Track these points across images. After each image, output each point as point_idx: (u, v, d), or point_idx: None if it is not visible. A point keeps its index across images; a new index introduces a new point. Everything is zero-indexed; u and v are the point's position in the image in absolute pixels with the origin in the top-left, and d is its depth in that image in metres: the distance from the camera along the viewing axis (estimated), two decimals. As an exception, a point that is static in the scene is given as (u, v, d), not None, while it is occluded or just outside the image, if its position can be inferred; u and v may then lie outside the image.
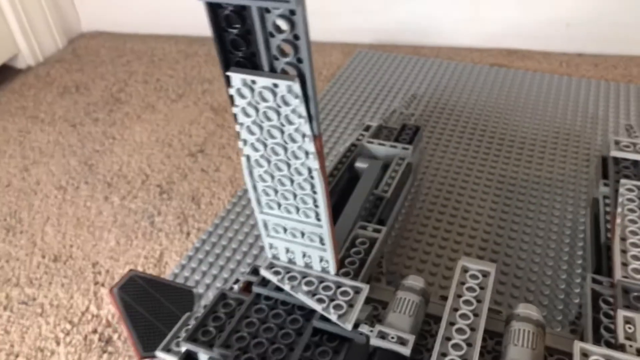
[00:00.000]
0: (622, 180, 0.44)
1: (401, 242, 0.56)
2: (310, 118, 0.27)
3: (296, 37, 0.25)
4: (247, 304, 0.36)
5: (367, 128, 0.58)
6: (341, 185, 0.51)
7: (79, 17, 1.12)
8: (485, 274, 0.36)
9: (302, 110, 0.27)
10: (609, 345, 0.33)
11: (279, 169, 0.31)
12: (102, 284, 0.56)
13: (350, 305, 0.34)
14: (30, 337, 0.51)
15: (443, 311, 0.34)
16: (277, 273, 0.36)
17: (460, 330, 0.33)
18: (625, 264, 0.36)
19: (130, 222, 0.63)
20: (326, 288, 0.35)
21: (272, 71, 0.27)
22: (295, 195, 0.32)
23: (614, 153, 0.48)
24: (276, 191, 0.33)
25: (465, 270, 0.37)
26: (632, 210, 0.41)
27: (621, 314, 0.33)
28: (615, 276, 0.36)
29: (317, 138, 0.28)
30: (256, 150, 0.30)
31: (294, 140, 0.29)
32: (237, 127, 0.29)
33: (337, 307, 0.34)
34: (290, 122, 0.28)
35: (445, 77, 0.85)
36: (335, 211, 0.45)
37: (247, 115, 0.28)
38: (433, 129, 0.73)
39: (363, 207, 0.47)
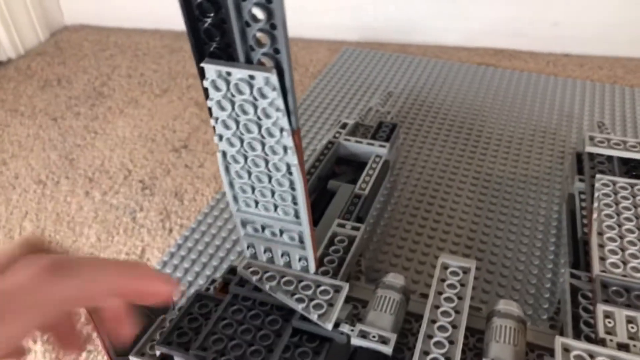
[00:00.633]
0: (598, 175, 0.44)
1: (376, 238, 0.56)
2: (288, 111, 0.27)
3: (273, 27, 0.24)
4: (224, 304, 0.35)
5: (344, 126, 0.57)
6: (318, 183, 0.50)
7: (61, 9, 1.10)
8: (466, 271, 0.36)
9: (280, 103, 0.26)
10: (589, 339, 0.33)
11: (257, 165, 0.30)
12: (81, 281, 0.55)
13: (330, 304, 0.34)
14: (5, 335, 0.50)
15: (424, 309, 0.34)
16: (255, 273, 0.36)
17: (441, 328, 0.33)
18: (603, 259, 0.36)
19: (111, 218, 0.62)
20: (305, 287, 0.35)
21: (248, 62, 0.26)
22: (273, 193, 0.32)
23: (589, 149, 0.48)
24: (254, 188, 0.32)
25: (445, 267, 0.36)
26: (608, 205, 0.41)
27: (601, 308, 0.33)
28: (593, 271, 0.36)
29: (295, 132, 0.28)
30: (232, 145, 0.30)
31: (271, 135, 0.28)
32: (212, 122, 0.28)
33: (317, 306, 0.33)
34: (267, 116, 0.27)
35: (432, 75, 0.85)
36: (313, 208, 0.45)
37: (222, 108, 0.27)
38: (411, 126, 0.73)
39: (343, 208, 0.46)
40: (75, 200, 0.65)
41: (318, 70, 0.90)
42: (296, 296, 0.34)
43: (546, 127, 0.72)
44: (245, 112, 0.27)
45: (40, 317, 0.20)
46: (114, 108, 0.83)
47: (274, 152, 0.29)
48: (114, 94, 0.87)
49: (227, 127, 0.29)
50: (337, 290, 0.35)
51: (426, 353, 0.31)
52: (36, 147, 0.75)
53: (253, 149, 0.29)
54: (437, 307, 0.34)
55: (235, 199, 0.33)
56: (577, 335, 0.34)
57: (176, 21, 1.04)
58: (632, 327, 0.32)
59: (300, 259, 0.35)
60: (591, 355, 0.30)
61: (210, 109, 0.28)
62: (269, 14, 0.23)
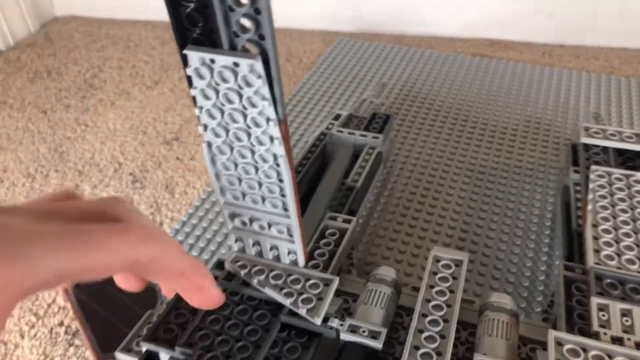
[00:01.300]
0: (593, 167, 0.43)
1: (368, 230, 0.55)
2: (274, 100, 0.26)
3: (257, 12, 0.23)
4: (212, 296, 0.34)
5: (337, 117, 0.56)
6: (310, 175, 0.50)
7: (52, 0, 1.09)
8: (458, 263, 0.35)
9: (266, 91, 0.25)
10: (582, 332, 0.33)
11: (243, 156, 0.29)
12: (70, 275, 0.54)
13: (320, 298, 0.33)
14: (-8, 330, 0.49)
15: (415, 302, 0.33)
16: (243, 267, 0.35)
17: (433, 322, 0.32)
18: (597, 251, 0.36)
19: (101, 212, 0.61)
20: (294, 281, 0.34)
21: (233, 49, 0.25)
22: (260, 184, 0.31)
23: (584, 139, 0.47)
24: (240, 180, 0.31)
25: (437, 259, 0.36)
26: (603, 197, 0.40)
27: (594, 301, 0.32)
28: (587, 263, 0.35)
29: (282, 122, 0.27)
30: (218, 136, 0.29)
31: (257, 125, 0.27)
32: (197, 111, 0.28)
33: (306, 300, 0.33)
34: (253, 105, 0.26)
35: (427, 66, 0.84)
36: (305, 202, 0.44)
37: (206, 97, 0.27)
38: (405, 117, 0.72)
39: (333, 197, 0.45)
40: (65, 193, 0.64)
41: (312, 61, 0.89)
42: (285, 290, 0.33)
43: (541, 118, 0.72)
44: (230, 101, 0.26)
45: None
46: (105, 100, 0.82)
47: (260, 143, 0.28)
48: (105, 86, 0.85)
49: (211, 116, 0.28)
50: (327, 284, 0.34)
51: (417, 348, 0.30)
52: (25, 140, 0.74)
53: (239, 139, 0.28)
54: (429, 300, 0.33)
55: (222, 191, 0.32)
56: (571, 328, 0.33)
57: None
58: (627, 320, 0.31)
59: (289, 253, 0.35)
60: (584, 349, 0.29)
61: (194, 98, 0.27)
62: (252, -3, 0.22)
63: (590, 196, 0.41)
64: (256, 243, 0.35)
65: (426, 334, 0.31)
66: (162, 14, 1.03)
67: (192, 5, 0.23)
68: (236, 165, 0.30)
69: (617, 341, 0.30)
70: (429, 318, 0.32)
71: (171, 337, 0.33)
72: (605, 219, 0.38)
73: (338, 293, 0.36)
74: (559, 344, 0.30)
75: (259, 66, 0.24)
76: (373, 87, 0.79)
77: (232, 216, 0.34)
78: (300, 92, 0.80)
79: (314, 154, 0.50)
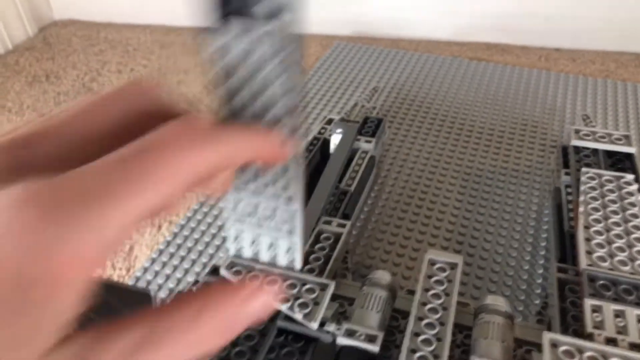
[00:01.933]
0: (584, 169, 0.43)
1: (366, 234, 0.55)
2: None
3: None
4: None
5: (330, 121, 0.57)
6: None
7: (50, 4, 1.09)
8: (453, 266, 0.36)
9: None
10: (576, 334, 0.33)
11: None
12: (69, 279, 0.54)
13: (316, 303, 0.33)
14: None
15: (411, 306, 0.34)
16: (237, 273, 0.35)
17: (429, 325, 0.32)
18: (589, 252, 0.36)
19: (99, 216, 0.61)
20: (290, 286, 0.34)
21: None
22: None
23: (575, 142, 0.48)
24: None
25: (432, 263, 0.36)
26: (594, 198, 0.41)
27: (588, 302, 0.33)
28: (580, 265, 0.36)
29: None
30: None
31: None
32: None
33: (302, 305, 0.33)
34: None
35: (424, 70, 0.85)
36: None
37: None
38: (402, 121, 0.72)
39: (327, 201, 0.46)
40: (63, 197, 0.64)
41: (309, 65, 0.89)
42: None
43: (538, 121, 0.72)
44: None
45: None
46: (103, 104, 0.82)
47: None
48: (103, 90, 0.86)
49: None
50: (323, 288, 0.34)
51: (414, 351, 0.31)
52: (24, 143, 0.74)
53: None
54: (424, 304, 0.34)
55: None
56: (565, 329, 0.34)
57: (167, 16, 1.03)
58: (620, 322, 0.32)
59: (288, 250, 0.35)
60: (579, 350, 0.29)
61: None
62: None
63: (581, 198, 0.41)
64: (255, 242, 0.35)
65: (422, 337, 0.31)
66: (160, 17, 1.04)
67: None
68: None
69: (612, 342, 0.30)
70: (425, 321, 0.32)
71: (169, 341, 0.33)
72: (597, 221, 0.39)
73: (334, 297, 0.36)
74: (554, 345, 0.30)
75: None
76: (365, 92, 0.79)
77: (237, 207, 0.34)
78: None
79: (306, 158, 0.51)
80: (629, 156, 0.46)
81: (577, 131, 0.49)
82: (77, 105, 0.17)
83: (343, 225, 0.43)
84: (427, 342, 0.31)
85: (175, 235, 0.57)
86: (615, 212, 0.39)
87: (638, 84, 0.79)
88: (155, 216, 0.16)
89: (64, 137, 0.17)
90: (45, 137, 0.16)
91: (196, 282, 0.40)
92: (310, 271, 0.37)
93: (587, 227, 0.38)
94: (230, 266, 0.36)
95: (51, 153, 0.16)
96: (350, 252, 0.45)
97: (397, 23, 0.96)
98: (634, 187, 0.42)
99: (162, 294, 0.51)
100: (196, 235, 0.57)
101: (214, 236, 0.57)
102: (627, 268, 0.35)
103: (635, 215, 0.39)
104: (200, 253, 0.55)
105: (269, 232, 0.34)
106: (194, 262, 0.54)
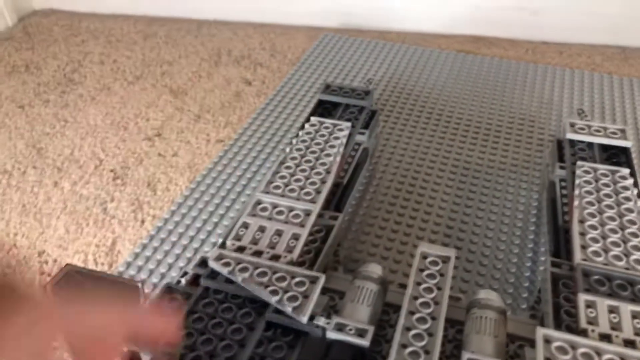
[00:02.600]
0: (579, 162, 0.43)
1: (354, 227, 0.55)
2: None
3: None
4: (194, 298, 0.34)
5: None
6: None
7: (30, -7, 1.06)
8: (445, 260, 0.35)
9: None
10: (570, 329, 0.33)
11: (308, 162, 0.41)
12: (49, 274, 0.53)
13: (306, 296, 0.32)
14: (-34, 332, 0.47)
15: (402, 300, 0.33)
16: (227, 264, 0.34)
17: (421, 320, 0.31)
18: (584, 247, 0.36)
19: (81, 209, 0.60)
20: (280, 279, 0.33)
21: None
22: (306, 180, 0.41)
23: (570, 135, 0.48)
24: (292, 175, 0.41)
25: (424, 256, 0.35)
26: (589, 193, 0.40)
27: (582, 297, 0.32)
28: (574, 259, 0.35)
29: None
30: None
31: None
32: None
33: (292, 298, 0.32)
34: None
35: (411, 62, 0.84)
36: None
37: None
38: (390, 113, 0.72)
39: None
40: (43, 190, 0.62)
41: (297, 57, 0.88)
42: (270, 288, 0.33)
43: (525, 114, 0.72)
44: None
45: None
46: (85, 95, 0.80)
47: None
48: (85, 81, 0.83)
49: None
50: (313, 281, 0.33)
51: (404, 346, 0.30)
52: (2, 135, 0.72)
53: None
54: (416, 298, 0.33)
55: (269, 182, 0.42)
56: (558, 325, 0.33)
57: (151, 6, 1.01)
58: (614, 317, 0.31)
59: (291, 238, 0.37)
60: (573, 346, 0.29)
61: None
62: None
63: (576, 192, 0.41)
64: (260, 229, 0.38)
65: (414, 331, 0.31)
66: (144, 7, 1.02)
67: None
68: (298, 166, 0.43)
69: (606, 338, 0.30)
70: (417, 315, 0.32)
71: (153, 337, 0.32)
72: (592, 215, 0.38)
73: (324, 290, 0.35)
74: (547, 341, 0.29)
75: None
76: (359, 83, 0.79)
77: (258, 204, 0.40)
78: (285, 88, 0.79)
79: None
80: (624, 150, 0.46)
81: (572, 124, 0.49)
82: None
83: (335, 218, 0.42)
84: (418, 336, 0.30)
85: (159, 229, 0.56)
86: (610, 207, 0.39)
87: (624, 77, 0.80)
88: None
89: None
90: None
91: (185, 273, 0.39)
92: (301, 264, 0.36)
93: (581, 221, 0.38)
94: (219, 257, 0.35)
95: None
96: (340, 245, 0.44)
97: (385, 15, 0.95)
98: (629, 181, 0.41)
99: (146, 289, 0.50)
100: (180, 229, 0.56)
101: (198, 230, 0.56)
102: (621, 263, 0.35)
103: (630, 210, 0.39)
104: (185, 247, 0.54)
105: (279, 223, 0.38)
106: (177, 256, 0.53)
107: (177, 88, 0.81)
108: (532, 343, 0.33)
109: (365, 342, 0.30)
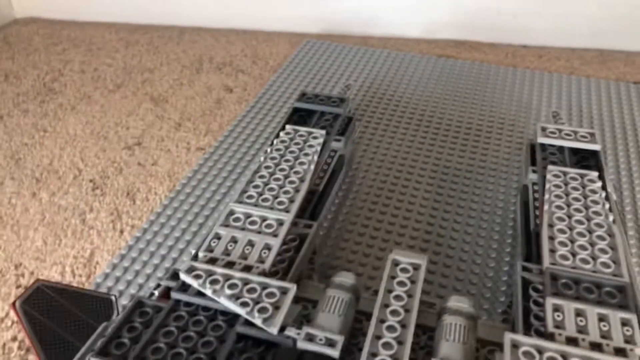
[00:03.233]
0: (549, 167, 0.44)
1: (333, 234, 0.55)
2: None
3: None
4: (165, 311, 0.33)
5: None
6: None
7: (11, 2, 1.05)
8: (416, 267, 0.35)
9: None
10: (539, 333, 0.33)
11: (282, 170, 0.43)
12: (25, 287, 0.52)
13: (277, 307, 0.32)
14: (-59, 348, 0.47)
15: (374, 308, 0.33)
16: (197, 277, 0.34)
17: (390, 328, 0.32)
18: (553, 251, 0.36)
19: (59, 220, 0.59)
20: (251, 290, 0.33)
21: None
22: (280, 189, 0.42)
23: (541, 139, 0.48)
24: (266, 184, 0.42)
25: (395, 263, 0.35)
26: (558, 197, 0.41)
27: (550, 301, 0.32)
28: (543, 263, 0.35)
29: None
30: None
31: None
32: None
33: (262, 310, 0.32)
34: None
35: (393, 67, 0.84)
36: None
37: None
38: (370, 119, 0.72)
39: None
40: (21, 202, 0.62)
41: (278, 63, 0.88)
42: (240, 300, 0.33)
43: (505, 117, 0.72)
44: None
45: None
46: (65, 105, 0.79)
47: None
48: (65, 90, 0.83)
49: None
50: (284, 292, 0.33)
51: (374, 355, 0.30)
52: (-21, 146, 0.71)
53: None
54: (387, 305, 0.33)
55: (243, 192, 0.42)
56: (528, 329, 0.33)
57: (132, 13, 1.01)
58: (581, 321, 0.31)
59: (263, 249, 0.37)
60: (539, 351, 0.29)
61: None
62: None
63: (546, 196, 0.41)
64: (233, 240, 0.38)
65: (383, 340, 0.31)
66: (126, 16, 1.01)
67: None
68: (271, 175, 0.44)
69: (572, 342, 0.30)
70: (387, 324, 0.32)
71: (123, 352, 0.32)
72: (561, 219, 0.39)
73: (297, 299, 0.35)
74: (515, 346, 0.30)
75: None
76: (340, 89, 0.79)
77: (230, 214, 0.40)
78: (266, 95, 0.79)
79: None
80: (594, 153, 0.46)
81: (543, 129, 0.49)
82: None
83: (309, 226, 0.42)
84: (387, 345, 0.30)
85: (137, 239, 0.56)
86: (578, 210, 0.39)
87: (601, 80, 0.80)
88: None
89: None
90: None
91: (158, 285, 0.39)
92: (274, 274, 0.36)
93: (551, 225, 0.38)
94: (190, 270, 0.35)
95: None
96: (317, 253, 0.44)
97: (367, 21, 0.95)
98: (598, 184, 0.42)
99: (124, 301, 0.49)
100: (159, 240, 0.56)
101: (177, 240, 0.55)
102: (589, 266, 0.35)
103: (597, 213, 0.39)
104: (163, 258, 0.54)
105: (252, 234, 0.38)
106: (156, 267, 0.53)
107: (158, 96, 0.80)
108: (502, 347, 0.33)
109: (334, 353, 0.30)
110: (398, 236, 0.55)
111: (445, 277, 0.50)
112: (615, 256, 0.36)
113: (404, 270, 0.35)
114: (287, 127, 0.50)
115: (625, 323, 0.31)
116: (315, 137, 0.48)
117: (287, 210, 0.41)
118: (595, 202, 0.40)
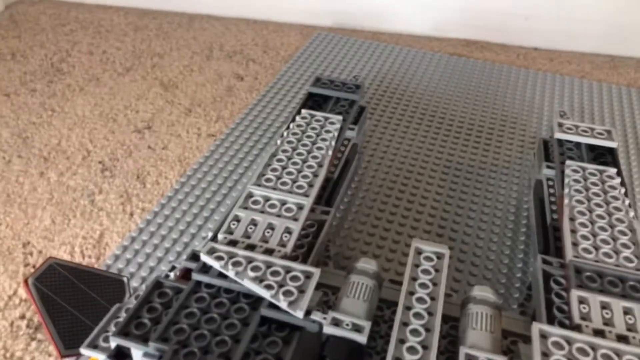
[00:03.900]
0: (568, 162, 0.43)
1: (347, 224, 0.54)
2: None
3: None
4: (186, 292, 0.33)
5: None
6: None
7: (18, -20, 1.04)
8: (440, 256, 0.35)
9: None
10: (562, 325, 0.33)
11: (300, 154, 0.42)
12: (34, 266, 0.51)
13: (301, 291, 0.32)
14: (-54, 323, 0.46)
15: (396, 295, 0.33)
16: (219, 258, 0.33)
17: (417, 315, 0.31)
18: (575, 244, 0.36)
19: (68, 200, 0.58)
20: (274, 273, 0.33)
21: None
22: (299, 173, 0.41)
23: (558, 135, 0.48)
24: (284, 168, 0.41)
25: (418, 252, 0.35)
26: (578, 191, 0.41)
27: (575, 294, 0.32)
28: (566, 256, 0.35)
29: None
30: None
31: None
32: None
33: (287, 293, 0.32)
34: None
35: (405, 64, 0.84)
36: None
37: None
38: (383, 113, 0.72)
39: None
40: (29, 180, 0.61)
41: (289, 54, 0.87)
42: (264, 283, 0.32)
43: (517, 118, 0.72)
44: None
45: None
46: (74, 85, 0.78)
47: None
48: (73, 71, 0.82)
49: None
50: (308, 276, 0.33)
51: (402, 341, 0.30)
52: (-14, 123, 0.70)
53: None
54: (412, 293, 0.33)
55: (261, 175, 0.41)
56: (551, 321, 0.33)
57: (142, -2, 1.00)
58: (607, 313, 0.31)
59: (285, 232, 0.36)
60: (568, 342, 0.29)
61: None
62: None
63: (566, 191, 0.41)
64: (253, 223, 0.37)
65: (411, 327, 0.31)
66: (134, 0, 1.00)
67: None
68: (289, 159, 0.43)
69: (599, 334, 0.30)
70: (413, 311, 0.31)
71: (143, 332, 0.31)
72: (582, 213, 0.39)
73: (317, 286, 0.35)
74: (543, 337, 0.29)
75: None
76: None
77: (250, 197, 0.40)
78: (278, 84, 0.78)
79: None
80: (610, 151, 0.46)
81: (560, 124, 0.49)
82: None
83: (327, 213, 0.42)
84: (415, 332, 0.30)
85: (148, 222, 0.55)
86: (599, 205, 0.39)
87: (612, 84, 0.81)
88: None
89: None
90: None
91: (173, 267, 0.38)
92: (294, 258, 0.35)
93: (572, 219, 0.38)
94: (212, 251, 0.34)
95: None
96: (331, 241, 0.44)
97: (378, 16, 0.95)
98: (617, 180, 0.42)
99: (135, 283, 0.49)
100: (170, 223, 0.55)
101: (188, 224, 0.55)
102: (612, 260, 0.35)
103: (618, 209, 0.39)
104: (175, 241, 0.53)
105: (272, 217, 0.38)
106: (167, 250, 0.52)
107: (168, 81, 0.80)
108: (524, 339, 0.33)
109: (362, 338, 0.30)
110: (411, 229, 0.54)
111: (459, 272, 0.50)
112: (638, 251, 0.36)
113: (427, 258, 0.35)
114: (303, 111, 0.49)
115: (650, 318, 0.31)
116: (332, 123, 0.48)
117: (306, 195, 0.40)
118: (616, 198, 0.40)
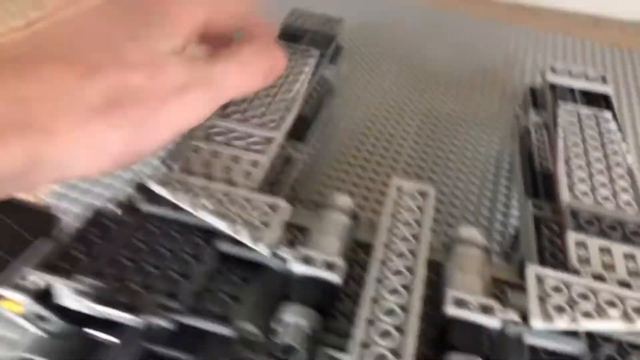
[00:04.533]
0: (562, 104, 0.40)
1: (316, 167, 0.51)
2: None
3: None
4: (131, 226, 0.28)
5: None
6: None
7: None
8: (423, 195, 0.31)
9: None
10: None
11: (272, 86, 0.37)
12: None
13: (265, 224, 0.28)
14: None
15: (372, 237, 0.29)
16: (172, 188, 0.29)
17: (399, 255, 0.27)
18: (571, 187, 0.33)
19: None
20: (236, 205, 0.28)
21: None
22: (269, 106, 0.36)
23: (551, 78, 0.45)
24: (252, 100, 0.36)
25: (399, 189, 0.31)
26: (573, 134, 0.37)
27: (572, 236, 0.29)
28: (562, 199, 0.32)
29: None
30: None
31: None
32: None
33: (250, 226, 0.27)
34: None
35: (390, 15, 0.79)
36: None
37: None
38: (360, 59, 0.68)
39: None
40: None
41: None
42: (224, 214, 0.28)
43: (499, 71, 0.69)
44: None
45: None
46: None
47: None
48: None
49: None
50: (274, 208, 0.29)
51: (380, 281, 0.26)
52: None
53: None
54: (391, 231, 0.29)
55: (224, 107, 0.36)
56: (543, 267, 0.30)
57: None
58: (606, 258, 0.28)
59: (250, 165, 0.32)
60: (567, 286, 0.26)
61: None
62: None
63: (560, 133, 0.38)
64: (213, 155, 0.32)
65: (391, 266, 0.27)
66: None
67: None
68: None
69: (599, 278, 0.27)
70: (395, 251, 0.28)
71: (74, 266, 0.26)
72: (577, 156, 0.35)
73: (286, 226, 0.30)
74: (539, 280, 0.26)
75: None
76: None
77: (210, 127, 0.34)
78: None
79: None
80: (605, 97, 0.43)
81: (552, 69, 0.46)
82: None
83: (297, 149, 0.37)
84: (398, 273, 0.26)
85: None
86: (596, 148, 0.36)
87: (596, 41, 0.78)
88: None
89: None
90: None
91: (114, 198, 0.33)
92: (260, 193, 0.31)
93: (567, 162, 0.35)
94: (164, 181, 0.29)
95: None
96: (300, 181, 0.40)
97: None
98: (613, 124, 0.39)
99: (68, 219, 0.43)
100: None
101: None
102: (610, 203, 0.32)
103: (615, 152, 0.36)
104: (117, 177, 0.47)
105: (237, 149, 0.33)
106: (108, 186, 0.46)
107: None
108: (512, 286, 0.30)
109: (335, 277, 0.26)
110: (390, 170, 0.51)
111: (439, 213, 0.47)
112: (637, 195, 0.33)
113: (410, 196, 0.31)
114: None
115: (652, 263, 0.28)
116: (309, 56, 0.43)
117: (276, 129, 0.36)
118: (612, 142, 0.37)
